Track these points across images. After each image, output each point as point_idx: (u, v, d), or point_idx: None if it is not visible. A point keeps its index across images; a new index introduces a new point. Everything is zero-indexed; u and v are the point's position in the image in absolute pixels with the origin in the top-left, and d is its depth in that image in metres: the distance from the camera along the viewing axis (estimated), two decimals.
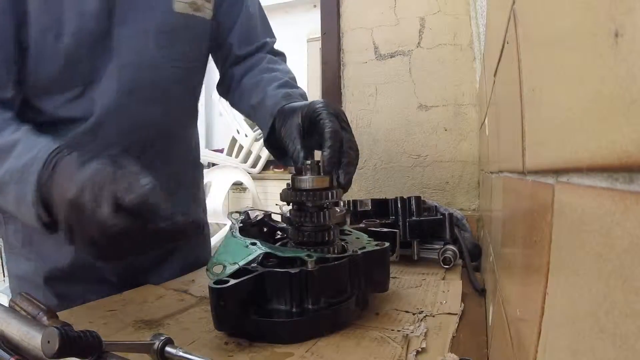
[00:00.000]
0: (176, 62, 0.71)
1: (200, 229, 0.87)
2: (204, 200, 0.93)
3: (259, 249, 0.51)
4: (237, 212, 0.61)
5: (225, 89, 0.87)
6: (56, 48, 0.60)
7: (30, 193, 0.49)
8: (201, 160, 0.91)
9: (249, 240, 0.53)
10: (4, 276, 2.20)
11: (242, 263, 0.49)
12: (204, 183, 0.93)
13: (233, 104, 0.87)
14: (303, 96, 0.70)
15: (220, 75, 0.87)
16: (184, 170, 0.82)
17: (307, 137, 0.60)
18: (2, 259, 2.20)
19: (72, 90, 0.64)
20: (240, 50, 0.83)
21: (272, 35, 0.87)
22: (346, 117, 0.61)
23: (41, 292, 0.69)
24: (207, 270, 0.48)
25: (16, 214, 0.53)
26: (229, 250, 0.51)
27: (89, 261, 0.70)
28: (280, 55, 0.87)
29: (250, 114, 0.79)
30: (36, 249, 0.70)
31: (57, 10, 0.59)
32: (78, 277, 0.70)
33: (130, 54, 0.65)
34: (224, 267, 0.49)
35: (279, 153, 0.71)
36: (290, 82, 0.76)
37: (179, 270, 0.79)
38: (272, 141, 0.68)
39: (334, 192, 0.54)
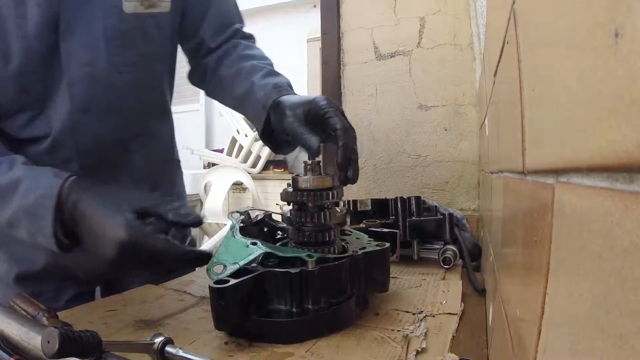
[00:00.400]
0: (133, 67, 0.68)
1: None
2: (185, 194, 0.93)
3: (259, 249, 0.51)
4: (237, 211, 0.61)
5: (198, 78, 0.84)
6: (6, 72, 0.59)
7: (48, 227, 0.51)
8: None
9: (249, 240, 0.53)
10: None
11: (242, 263, 0.49)
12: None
13: (210, 94, 0.84)
14: (290, 86, 0.69)
15: (191, 65, 0.84)
16: (159, 169, 0.81)
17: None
18: None
19: (28, 112, 0.63)
20: (213, 42, 0.79)
21: (242, 20, 0.84)
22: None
23: (13, 291, 0.69)
24: (207, 270, 0.49)
25: (30, 242, 0.55)
26: (230, 250, 0.52)
27: (62, 262, 0.70)
28: (251, 39, 0.84)
29: (235, 105, 0.76)
30: (10, 251, 0.71)
31: (2, 35, 0.58)
32: (49, 276, 0.71)
33: (80, 68, 0.62)
34: (225, 266, 0.49)
35: (275, 145, 0.70)
36: (274, 71, 0.73)
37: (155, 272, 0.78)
38: (267, 133, 0.68)
39: (335, 192, 0.54)
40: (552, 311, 0.19)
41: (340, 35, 1.37)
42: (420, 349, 0.45)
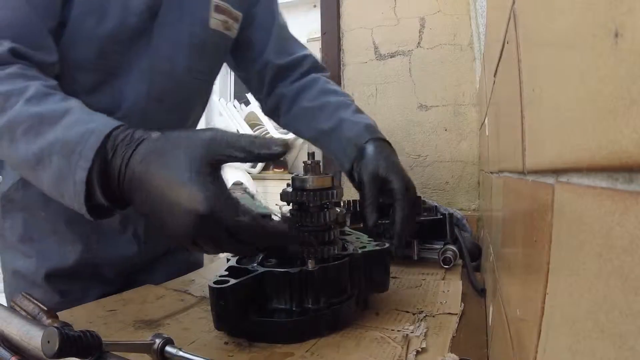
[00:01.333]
0: (200, 75, 0.73)
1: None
2: None
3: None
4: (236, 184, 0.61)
5: (272, 108, 0.86)
6: (94, 33, 0.60)
7: (81, 170, 0.43)
8: None
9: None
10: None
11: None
12: None
13: (285, 125, 0.86)
14: (376, 126, 0.74)
15: (263, 94, 0.86)
16: None
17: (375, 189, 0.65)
18: None
19: (99, 77, 0.64)
20: (279, 59, 0.82)
21: (306, 49, 0.88)
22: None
23: (40, 289, 0.68)
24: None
25: (50, 191, 0.48)
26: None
27: (92, 260, 0.70)
28: (325, 71, 0.88)
29: (317, 138, 0.78)
30: (37, 247, 0.70)
31: None
32: (80, 275, 0.70)
33: (163, 60, 0.66)
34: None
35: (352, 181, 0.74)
36: (360, 110, 0.78)
37: (176, 269, 0.79)
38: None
39: (335, 192, 0.54)
40: (552, 311, 0.19)
41: (340, 35, 1.37)
42: (420, 349, 0.45)
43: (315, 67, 0.86)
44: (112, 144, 0.44)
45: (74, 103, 0.50)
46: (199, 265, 0.88)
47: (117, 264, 0.73)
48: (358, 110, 0.77)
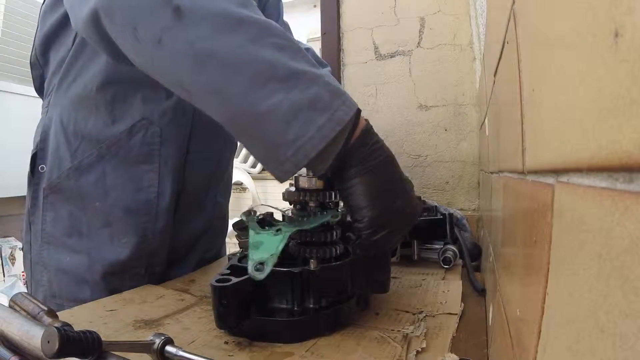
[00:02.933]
0: None
1: None
2: None
3: (288, 229, 0.50)
4: (245, 213, 0.60)
5: None
6: None
7: (342, 113, 0.43)
8: None
9: (274, 228, 0.51)
10: (3, 276, 2.20)
11: (280, 249, 0.47)
12: None
13: None
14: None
15: None
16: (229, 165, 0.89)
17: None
18: (1, 260, 2.19)
19: None
20: None
21: (306, 44, 0.95)
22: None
23: (89, 287, 0.66)
24: (249, 273, 0.46)
25: (283, 113, 0.41)
26: (260, 246, 0.49)
27: (145, 253, 0.69)
28: (327, 67, 0.95)
29: None
30: (86, 241, 0.67)
31: None
32: (132, 270, 0.69)
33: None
34: (264, 264, 0.46)
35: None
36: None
37: (196, 263, 0.81)
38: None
39: (337, 192, 0.54)
40: (552, 311, 0.19)
41: (340, 35, 1.37)
42: (420, 349, 0.45)
43: (317, 60, 0.91)
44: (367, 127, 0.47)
45: (320, 71, 0.47)
46: (219, 257, 0.90)
47: (165, 253, 0.73)
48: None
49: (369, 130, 0.47)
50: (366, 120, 0.48)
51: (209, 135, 0.76)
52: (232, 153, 0.89)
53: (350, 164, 0.46)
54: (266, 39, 0.43)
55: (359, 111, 0.45)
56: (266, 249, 0.48)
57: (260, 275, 0.45)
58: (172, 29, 0.43)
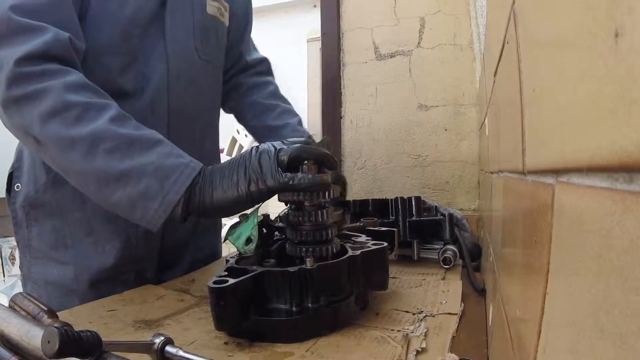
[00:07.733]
0: (207, 56, 0.79)
1: None
2: None
3: (252, 213, 0.56)
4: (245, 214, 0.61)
5: (225, 92, 0.93)
6: (116, 17, 0.64)
7: (174, 194, 0.52)
8: None
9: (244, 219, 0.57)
10: (3, 276, 2.20)
11: (255, 222, 0.55)
12: None
13: (232, 109, 0.96)
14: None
15: (224, 79, 0.92)
16: (213, 152, 0.89)
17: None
18: (1, 260, 2.19)
19: (123, 60, 0.66)
20: (250, 57, 0.95)
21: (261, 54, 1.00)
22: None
23: (78, 296, 0.66)
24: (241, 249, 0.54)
25: (119, 203, 0.54)
26: (240, 236, 0.55)
27: (131, 259, 0.70)
28: (271, 75, 1.00)
29: (261, 130, 0.90)
30: (72, 252, 0.68)
31: None
32: (121, 276, 0.69)
33: (176, 42, 0.72)
34: (249, 239, 0.54)
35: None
36: (301, 122, 0.91)
37: (190, 264, 0.81)
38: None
39: (332, 191, 0.54)
40: (552, 311, 0.19)
41: (340, 35, 1.37)
42: (420, 349, 0.45)
43: (270, 71, 0.99)
44: (199, 180, 0.54)
45: (158, 135, 0.57)
46: (216, 257, 0.91)
47: (154, 257, 0.73)
48: (300, 124, 0.90)
49: (196, 184, 0.54)
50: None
51: (188, 132, 0.76)
52: (214, 147, 0.89)
53: (194, 208, 0.54)
54: (98, 149, 0.52)
55: (195, 177, 0.54)
56: (245, 233, 0.54)
57: (252, 246, 0.51)
58: (39, 151, 0.56)
